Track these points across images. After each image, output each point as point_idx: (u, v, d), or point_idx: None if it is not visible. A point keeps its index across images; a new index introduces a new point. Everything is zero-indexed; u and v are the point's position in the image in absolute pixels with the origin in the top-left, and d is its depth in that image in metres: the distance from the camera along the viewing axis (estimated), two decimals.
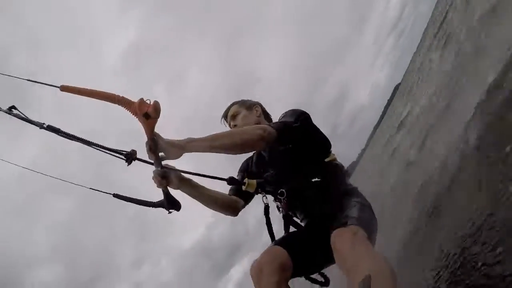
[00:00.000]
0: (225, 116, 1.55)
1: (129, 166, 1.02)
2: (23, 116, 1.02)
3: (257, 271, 1.13)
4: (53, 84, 0.94)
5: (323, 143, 1.38)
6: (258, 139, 1.08)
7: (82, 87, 0.93)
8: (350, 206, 1.19)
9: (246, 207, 1.45)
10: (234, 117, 1.51)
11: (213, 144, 1.03)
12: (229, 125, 1.54)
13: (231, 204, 1.39)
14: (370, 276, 0.74)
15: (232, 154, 1.14)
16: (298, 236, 1.37)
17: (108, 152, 1.02)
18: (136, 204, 1.18)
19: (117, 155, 1.01)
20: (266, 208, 1.36)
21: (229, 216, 1.42)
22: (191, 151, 1.03)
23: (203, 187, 1.29)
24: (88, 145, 1.02)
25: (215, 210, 1.37)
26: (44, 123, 1.00)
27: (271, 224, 1.39)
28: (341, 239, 0.98)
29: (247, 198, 1.42)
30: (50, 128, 0.99)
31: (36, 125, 0.99)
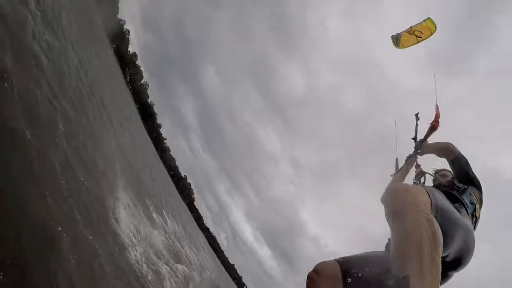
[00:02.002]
0: (437, 170, 2.20)
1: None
2: None
3: (309, 278, 1.36)
4: None
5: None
6: (449, 150, 1.91)
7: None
8: None
9: None
10: (442, 176, 2.04)
11: (432, 146, 2.07)
12: (435, 178, 2.11)
13: None
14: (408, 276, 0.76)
15: (437, 154, 2.03)
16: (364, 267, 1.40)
17: None
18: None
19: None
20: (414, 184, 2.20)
21: None
22: (425, 151, 2.15)
23: (404, 176, 2.22)
24: None
25: (394, 182, 2.20)
26: None
27: None
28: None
29: None
30: None
31: None
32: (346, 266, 1.38)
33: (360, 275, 1.33)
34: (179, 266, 7.41)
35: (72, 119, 4.73)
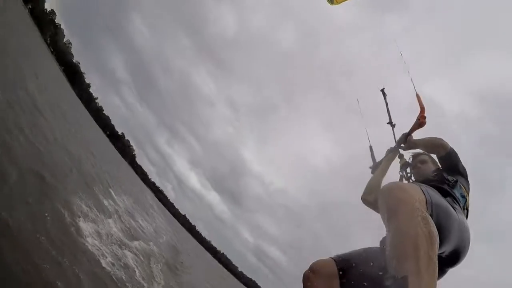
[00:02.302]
0: (415, 155, 2.10)
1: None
2: None
3: (305, 277, 1.38)
4: None
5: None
6: (441, 146, 1.77)
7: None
8: None
9: None
10: (422, 162, 2.00)
11: (420, 141, 1.91)
12: (414, 164, 2.04)
13: (376, 190, 1.86)
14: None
15: (425, 150, 1.95)
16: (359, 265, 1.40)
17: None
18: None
19: None
20: (401, 177, 2.10)
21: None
22: (410, 146, 1.99)
23: (385, 173, 2.08)
24: None
25: (370, 182, 2.04)
26: None
27: None
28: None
29: None
30: None
31: None
32: (343, 264, 1.38)
33: (356, 273, 1.33)
34: (138, 245, 7.93)
35: None
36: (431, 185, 1.41)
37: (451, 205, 1.25)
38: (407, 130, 1.96)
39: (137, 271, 5.76)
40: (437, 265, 0.78)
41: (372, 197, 1.87)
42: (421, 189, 1.07)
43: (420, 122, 1.83)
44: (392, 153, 2.13)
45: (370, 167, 2.22)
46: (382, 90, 2.31)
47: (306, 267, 1.41)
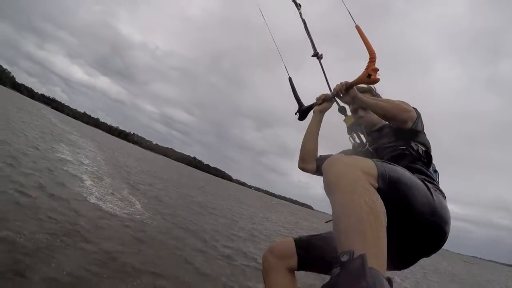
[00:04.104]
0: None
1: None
2: None
3: (264, 257, 1.38)
4: None
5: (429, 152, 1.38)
6: (405, 118, 1.29)
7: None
8: None
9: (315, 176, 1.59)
10: (364, 108, 1.55)
11: (372, 103, 1.32)
12: (355, 110, 1.60)
13: (314, 156, 1.60)
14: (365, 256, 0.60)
15: (380, 117, 1.41)
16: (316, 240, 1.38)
17: None
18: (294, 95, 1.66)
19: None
20: (354, 147, 1.48)
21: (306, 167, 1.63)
22: (356, 103, 1.38)
23: (318, 129, 1.59)
24: None
25: (304, 145, 1.60)
26: None
27: None
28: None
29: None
30: None
31: None
32: (302, 244, 1.37)
33: (316, 254, 1.32)
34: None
35: None
36: (406, 167, 1.14)
37: (426, 186, 1.07)
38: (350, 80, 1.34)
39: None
40: (385, 238, 0.70)
41: (312, 165, 1.60)
42: (373, 161, 0.92)
43: (372, 79, 1.22)
44: (325, 102, 1.57)
45: (295, 113, 1.66)
46: (294, 1, 1.73)
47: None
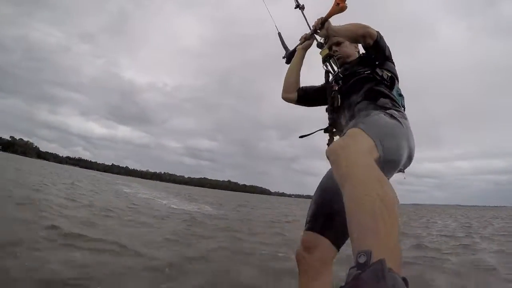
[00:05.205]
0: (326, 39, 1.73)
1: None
2: None
3: (299, 259, 1.28)
4: None
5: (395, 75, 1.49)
6: (363, 33, 1.42)
7: None
8: (373, 114, 1.19)
9: (298, 106, 1.79)
10: (338, 44, 1.68)
11: (341, 28, 1.50)
12: (329, 46, 1.70)
13: (295, 88, 1.75)
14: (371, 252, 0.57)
15: (348, 40, 1.60)
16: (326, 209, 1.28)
17: None
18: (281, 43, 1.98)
19: None
20: (326, 73, 1.68)
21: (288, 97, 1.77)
22: (329, 34, 1.56)
23: (301, 64, 1.77)
24: None
25: (287, 78, 1.77)
26: None
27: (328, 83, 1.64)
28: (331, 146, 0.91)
29: (305, 101, 1.74)
30: None
31: None
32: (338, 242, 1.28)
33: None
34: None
35: None
36: (369, 88, 1.40)
37: (393, 116, 1.16)
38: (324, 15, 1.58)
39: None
40: (397, 231, 0.65)
41: (293, 95, 1.76)
42: (365, 132, 0.94)
43: (341, 7, 1.48)
44: (307, 41, 1.79)
45: (283, 57, 1.93)
46: None
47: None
